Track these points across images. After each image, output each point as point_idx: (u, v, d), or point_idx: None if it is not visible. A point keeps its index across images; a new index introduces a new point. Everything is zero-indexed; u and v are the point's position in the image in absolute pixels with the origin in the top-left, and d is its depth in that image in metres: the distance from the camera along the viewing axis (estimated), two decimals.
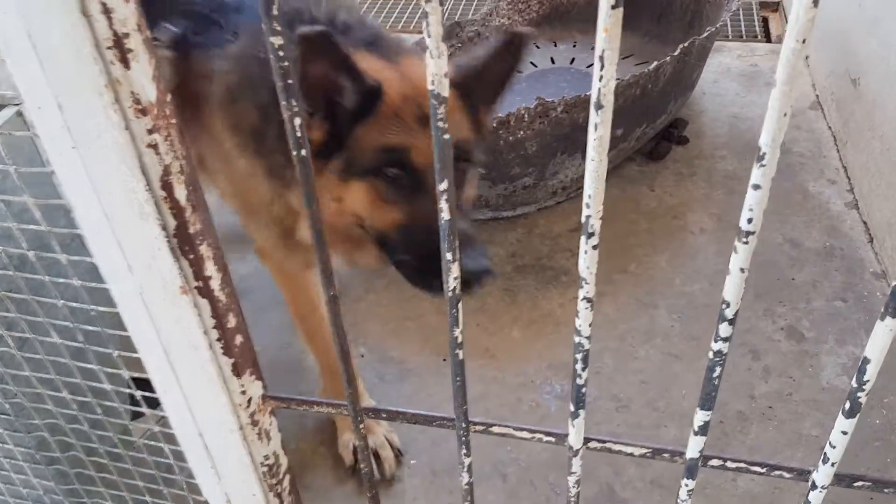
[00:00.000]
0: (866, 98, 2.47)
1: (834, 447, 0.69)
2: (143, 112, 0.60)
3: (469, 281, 1.15)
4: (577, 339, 0.69)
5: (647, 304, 2.08)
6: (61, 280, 0.81)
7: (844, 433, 0.68)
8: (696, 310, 2.06)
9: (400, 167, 1.23)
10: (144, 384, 0.95)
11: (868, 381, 0.65)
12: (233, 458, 0.83)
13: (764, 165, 0.52)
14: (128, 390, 0.91)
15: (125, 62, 0.58)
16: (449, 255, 0.64)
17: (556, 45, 3.22)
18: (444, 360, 1.94)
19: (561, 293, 2.14)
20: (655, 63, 2.31)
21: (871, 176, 2.38)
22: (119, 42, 0.58)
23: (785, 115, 0.50)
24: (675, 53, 2.36)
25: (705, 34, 2.51)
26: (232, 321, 0.73)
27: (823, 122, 2.82)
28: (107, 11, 0.57)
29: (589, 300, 0.65)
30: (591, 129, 0.55)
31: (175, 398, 0.79)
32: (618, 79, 2.30)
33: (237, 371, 0.76)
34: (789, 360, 1.89)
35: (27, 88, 0.60)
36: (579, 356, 0.69)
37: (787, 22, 3.27)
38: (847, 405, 0.68)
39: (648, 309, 2.07)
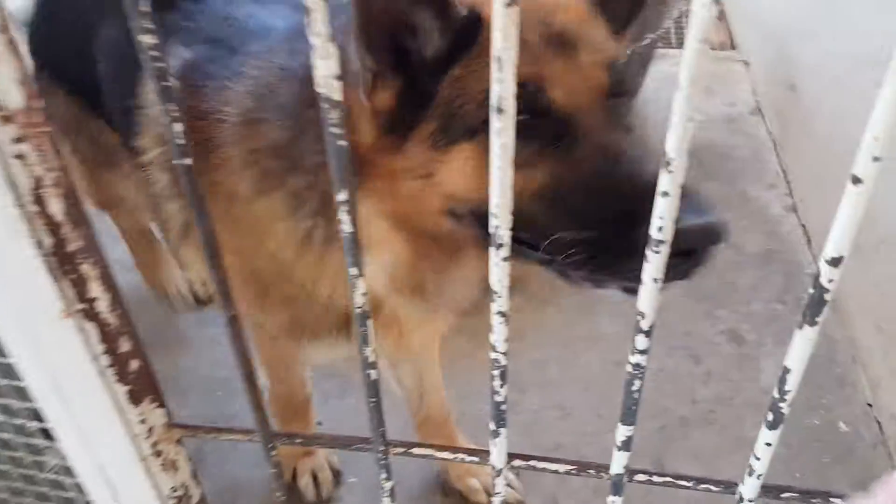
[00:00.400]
0: (803, 104, 2.51)
1: (759, 459, 0.67)
2: (8, 119, 0.55)
3: (693, 250, 0.80)
4: (493, 355, 0.65)
5: (590, 311, 2.07)
6: None
7: (769, 444, 0.66)
8: None
9: (532, 111, 0.85)
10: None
11: (790, 391, 0.64)
12: (136, 491, 0.77)
13: (672, 172, 0.50)
14: (21, 421, 0.84)
15: None
16: (355, 270, 0.61)
17: None
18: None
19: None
20: None
21: (809, 180, 2.42)
22: None
23: (690, 119, 0.47)
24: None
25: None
26: (125, 345, 0.68)
27: (763, 127, 2.87)
28: None
29: (503, 314, 0.62)
30: (492, 136, 0.52)
31: (69, 430, 0.73)
32: None
33: (134, 399, 0.71)
34: (730, 363, 1.90)
35: None
36: (497, 373, 0.66)
37: (730, 30, 3.29)
38: (770, 416, 0.66)
39: (591, 315, 2.05)
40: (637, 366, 0.61)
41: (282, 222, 1.06)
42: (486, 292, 1.04)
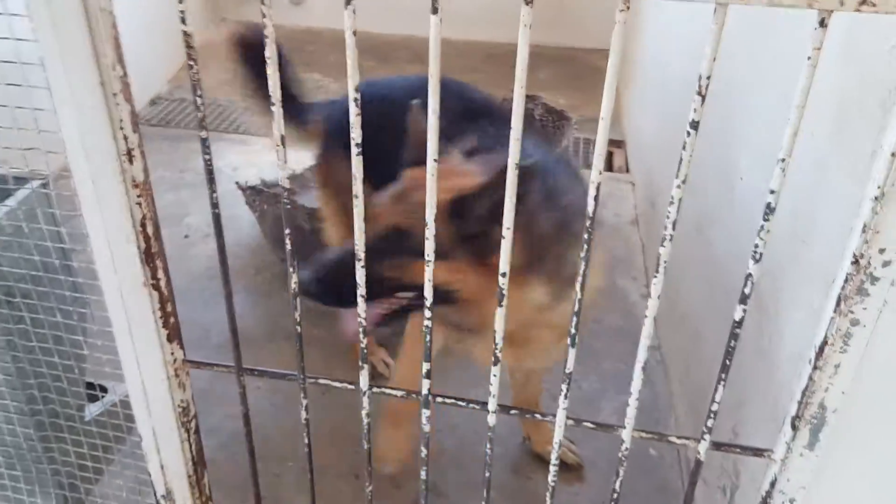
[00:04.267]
0: (659, 216, 3.27)
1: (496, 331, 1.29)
2: (136, 186, 1.18)
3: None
4: None
5: None
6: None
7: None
8: None
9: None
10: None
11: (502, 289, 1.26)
12: (161, 399, 1.35)
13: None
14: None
15: (130, 161, 1.17)
16: None
17: None
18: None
19: None
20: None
21: None
22: (129, 153, 1.17)
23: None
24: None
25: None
26: (169, 307, 1.28)
27: (637, 234, 3.62)
28: (124, 138, 1.16)
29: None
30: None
31: (131, 358, 1.31)
32: None
33: (170, 339, 1.30)
34: (577, 403, 2.53)
35: (76, 166, 1.16)
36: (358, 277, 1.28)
37: (627, 156, 4.15)
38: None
39: None
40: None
41: None
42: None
